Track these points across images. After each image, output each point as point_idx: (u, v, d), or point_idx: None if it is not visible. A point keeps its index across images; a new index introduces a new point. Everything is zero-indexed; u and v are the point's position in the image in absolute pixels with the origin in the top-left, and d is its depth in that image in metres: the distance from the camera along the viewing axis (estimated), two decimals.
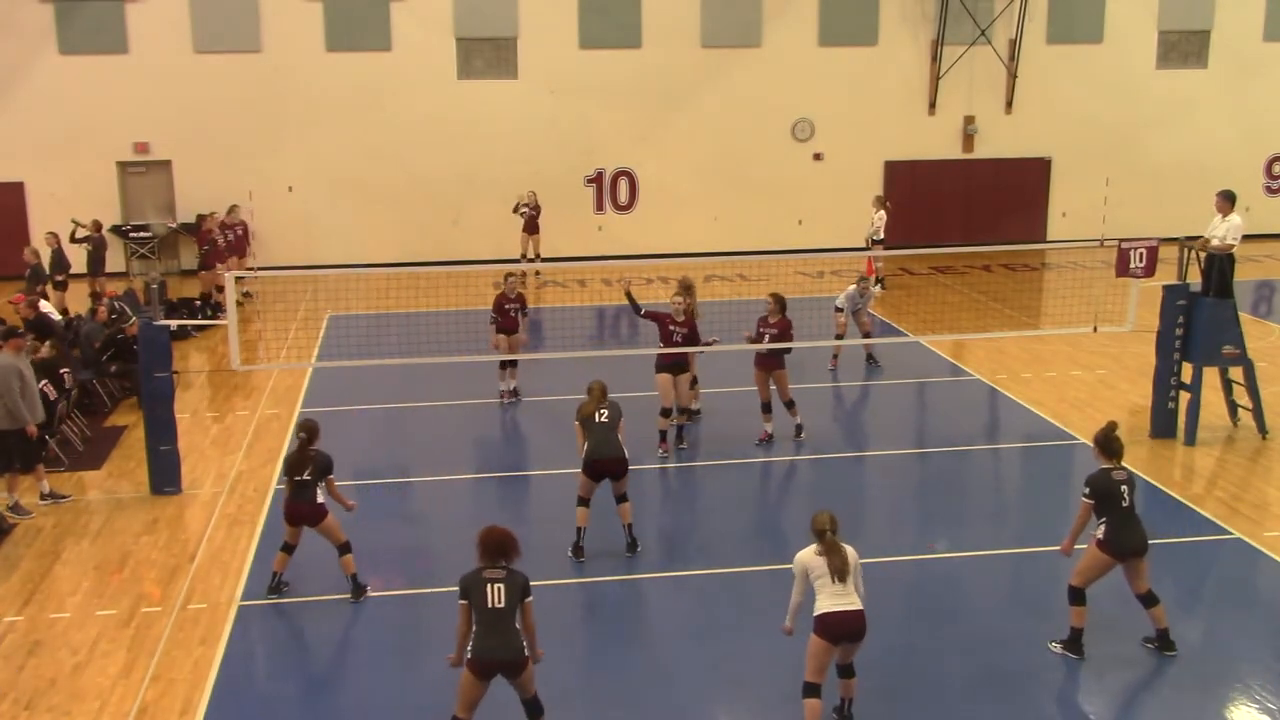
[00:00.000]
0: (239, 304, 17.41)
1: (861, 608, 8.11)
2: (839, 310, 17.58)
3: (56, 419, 13.83)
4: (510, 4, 26.20)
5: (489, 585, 7.66)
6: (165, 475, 13.07)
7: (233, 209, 23.78)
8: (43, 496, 12.85)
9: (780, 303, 14.04)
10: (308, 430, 10.38)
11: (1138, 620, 9.55)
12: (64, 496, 12.97)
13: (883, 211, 23.41)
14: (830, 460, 14.22)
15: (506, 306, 16.21)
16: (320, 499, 10.33)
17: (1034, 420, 15.48)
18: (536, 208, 24.89)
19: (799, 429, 14.47)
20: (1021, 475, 14.40)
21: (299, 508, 10.32)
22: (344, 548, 10.44)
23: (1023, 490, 13.98)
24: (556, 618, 9.70)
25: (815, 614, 8.08)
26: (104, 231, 22.68)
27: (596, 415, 11.09)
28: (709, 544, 11.64)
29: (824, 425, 15.16)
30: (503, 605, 7.64)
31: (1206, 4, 28.45)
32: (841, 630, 8.05)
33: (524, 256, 24.79)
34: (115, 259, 25.52)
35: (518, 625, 7.72)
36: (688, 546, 11.83)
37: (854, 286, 17.58)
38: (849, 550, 8.17)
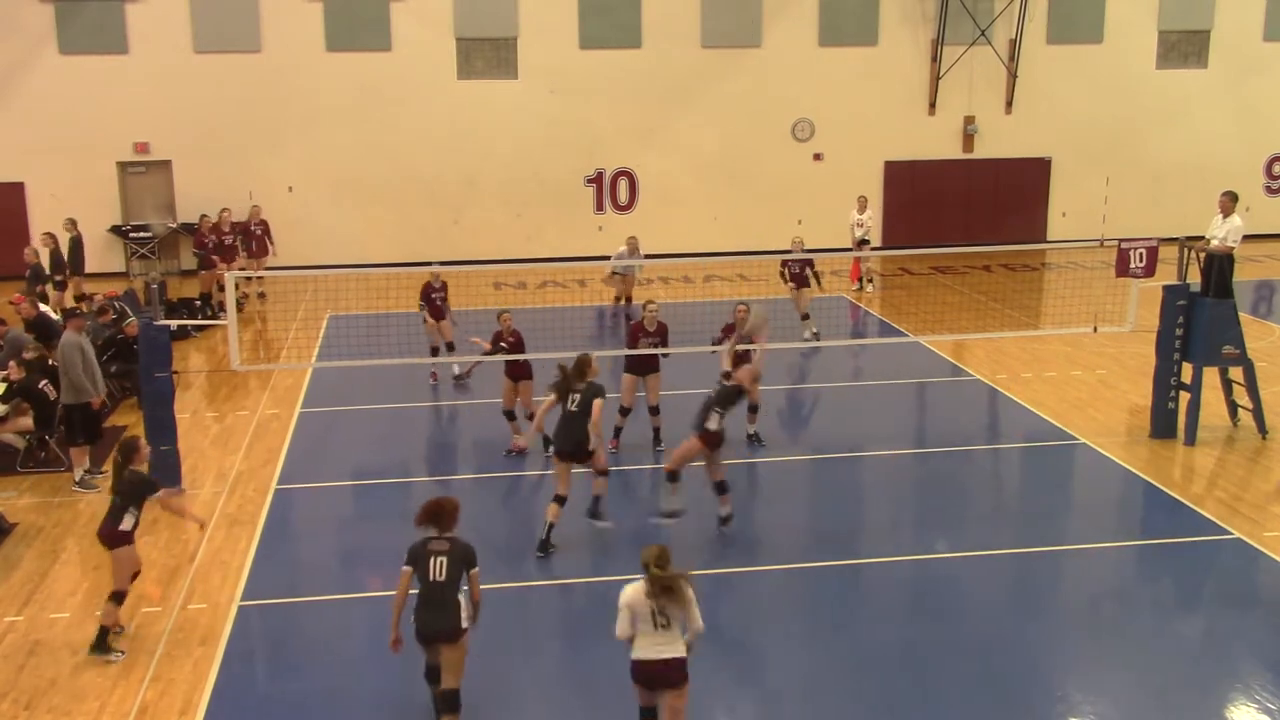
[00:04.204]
0: (239, 304, 17.40)
1: (681, 655, 7.29)
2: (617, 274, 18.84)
3: (57, 419, 13.83)
4: (510, 4, 26.20)
5: (432, 558, 7.66)
6: (165, 475, 12.99)
7: (254, 208, 23.72)
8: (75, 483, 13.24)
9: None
10: (123, 450, 9.72)
11: (1137, 620, 9.53)
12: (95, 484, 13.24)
13: (870, 211, 23.55)
14: (830, 460, 14.21)
15: (432, 295, 16.82)
16: (127, 526, 9.51)
17: (1034, 420, 15.46)
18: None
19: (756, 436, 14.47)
20: (1021, 475, 14.39)
21: (102, 527, 9.63)
22: (116, 596, 9.57)
23: (1023, 490, 13.97)
24: (555, 617, 9.71)
25: (630, 657, 7.41)
26: (77, 230, 22.26)
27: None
28: (707, 544, 11.62)
29: (824, 425, 15.15)
30: (443, 578, 7.62)
31: (1206, 4, 28.44)
32: (654, 679, 7.35)
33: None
34: (115, 259, 25.63)
35: (460, 597, 7.69)
36: (685, 546, 11.80)
37: (624, 246, 18.12)
38: (685, 589, 7.25)
